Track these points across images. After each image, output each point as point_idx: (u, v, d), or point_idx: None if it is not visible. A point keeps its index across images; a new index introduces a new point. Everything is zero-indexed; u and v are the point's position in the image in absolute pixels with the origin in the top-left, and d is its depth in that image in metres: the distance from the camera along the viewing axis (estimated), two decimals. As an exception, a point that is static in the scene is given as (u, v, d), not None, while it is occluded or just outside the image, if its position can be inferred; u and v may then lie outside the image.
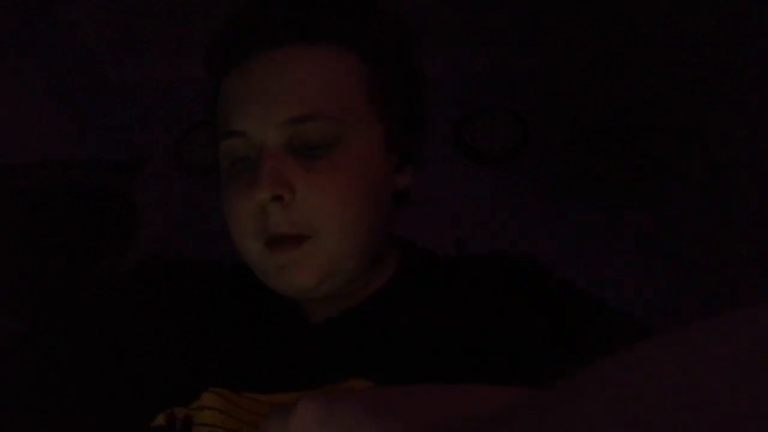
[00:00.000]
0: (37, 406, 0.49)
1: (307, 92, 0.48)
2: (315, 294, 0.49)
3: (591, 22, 1.88)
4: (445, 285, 0.53)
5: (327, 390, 0.45)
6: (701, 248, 1.75)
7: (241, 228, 0.49)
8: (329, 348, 0.49)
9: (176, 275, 0.58)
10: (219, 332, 0.52)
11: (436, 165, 1.86)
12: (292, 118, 0.47)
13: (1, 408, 0.49)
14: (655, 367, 0.18)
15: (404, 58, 0.55)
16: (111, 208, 1.65)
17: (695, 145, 1.86)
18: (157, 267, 0.59)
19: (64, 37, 1.91)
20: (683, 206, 1.83)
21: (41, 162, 1.66)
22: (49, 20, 1.81)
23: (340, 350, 0.49)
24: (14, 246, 1.51)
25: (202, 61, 0.55)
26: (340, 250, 0.48)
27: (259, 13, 0.51)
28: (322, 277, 0.48)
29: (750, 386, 0.15)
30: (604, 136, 1.92)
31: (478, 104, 2.10)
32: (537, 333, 0.45)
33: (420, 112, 0.57)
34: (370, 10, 0.53)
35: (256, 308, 0.54)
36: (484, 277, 0.52)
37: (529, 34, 1.99)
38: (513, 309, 0.48)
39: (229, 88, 0.51)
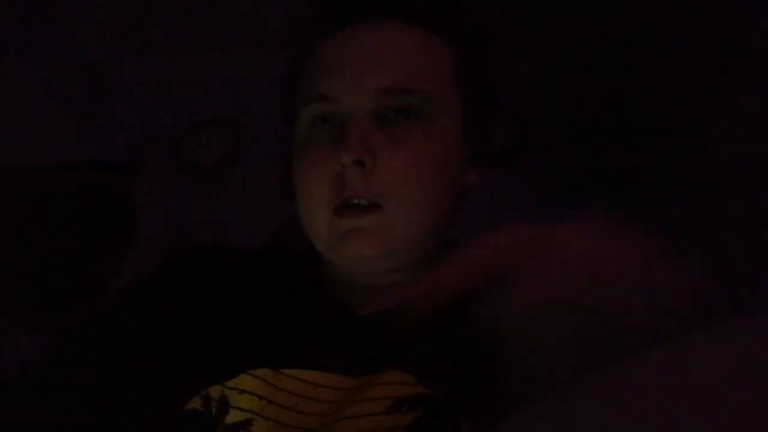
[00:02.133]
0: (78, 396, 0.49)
1: (402, 66, 0.49)
2: (373, 267, 0.50)
3: (591, 22, 1.88)
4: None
5: (364, 381, 0.45)
6: (701, 248, 1.75)
7: (314, 193, 0.49)
8: (374, 337, 0.49)
9: (215, 262, 0.58)
10: (260, 314, 0.52)
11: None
12: (385, 87, 0.48)
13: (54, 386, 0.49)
14: (656, 368, 0.18)
15: (485, 56, 0.57)
16: (111, 208, 1.65)
17: (695, 145, 1.87)
18: (193, 256, 0.58)
19: (64, 37, 1.91)
20: (683, 206, 1.83)
21: (41, 162, 1.67)
22: (49, 20, 1.81)
23: (385, 341, 0.49)
24: (14, 247, 1.51)
25: (298, 24, 0.56)
26: (406, 226, 0.49)
27: None
28: (384, 250, 0.48)
29: (750, 388, 0.15)
30: (604, 136, 1.92)
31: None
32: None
33: (493, 110, 0.59)
34: (464, 11, 0.56)
35: (303, 295, 0.54)
36: None
37: (529, 34, 1.99)
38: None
39: (324, 53, 0.52)
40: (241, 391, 0.44)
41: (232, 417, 0.43)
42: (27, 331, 1.40)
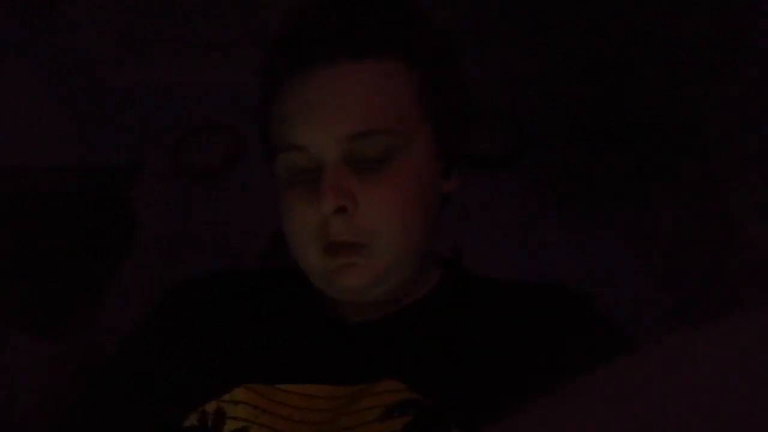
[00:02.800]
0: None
1: (364, 108, 0.49)
2: (366, 296, 0.51)
3: (591, 22, 1.88)
4: (486, 303, 0.54)
5: (358, 390, 0.46)
6: (700, 248, 1.75)
7: (302, 236, 0.51)
8: (366, 347, 0.51)
9: (207, 289, 0.60)
10: (254, 330, 0.54)
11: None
12: (351, 134, 0.48)
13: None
14: (656, 368, 0.18)
15: (449, 65, 0.57)
16: (110, 209, 1.65)
17: (695, 145, 1.87)
18: (184, 288, 0.61)
19: (64, 37, 1.91)
20: (682, 206, 1.83)
21: (40, 164, 1.67)
22: (49, 20, 1.81)
23: (377, 351, 0.50)
24: (14, 247, 1.51)
25: (258, 76, 0.56)
26: (394, 256, 0.50)
27: (313, 30, 0.52)
28: (375, 280, 0.50)
29: (749, 387, 0.15)
30: (604, 136, 1.92)
31: (476, 107, 2.10)
32: (567, 366, 0.45)
33: (464, 118, 0.59)
34: (417, 22, 0.55)
35: (294, 310, 0.56)
36: (527, 303, 0.53)
37: (529, 34, 1.99)
38: (550, 338, 0.49)
39: (285, 101, 0.52)
40: (237, 403, 0.46)
41: (229, 426, 0.45)
42: (27, 331, 1.40)
